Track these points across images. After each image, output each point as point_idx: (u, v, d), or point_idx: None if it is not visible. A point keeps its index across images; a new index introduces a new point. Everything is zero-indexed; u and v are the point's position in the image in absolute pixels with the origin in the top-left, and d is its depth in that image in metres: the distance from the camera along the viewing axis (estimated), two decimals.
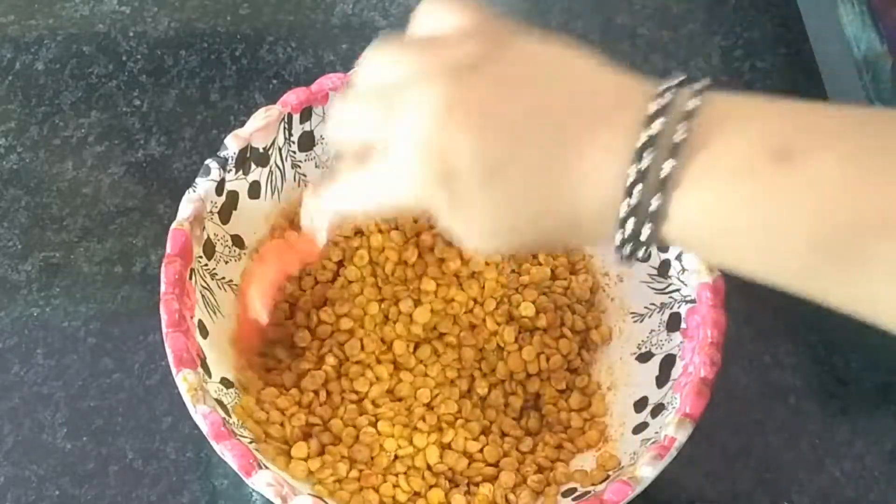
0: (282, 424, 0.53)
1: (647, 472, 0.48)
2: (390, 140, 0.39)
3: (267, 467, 0.47)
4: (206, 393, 0.49)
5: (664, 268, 0.56)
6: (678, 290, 0.55)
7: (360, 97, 0.41)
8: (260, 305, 0.52)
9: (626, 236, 0.37)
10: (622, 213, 0.37)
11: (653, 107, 0.36)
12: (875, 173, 0.34)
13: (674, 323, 0.55)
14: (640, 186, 0.36)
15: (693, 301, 0.53)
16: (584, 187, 0.37)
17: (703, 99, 0.36)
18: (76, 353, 0.59)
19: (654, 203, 0.36)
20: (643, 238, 0.37)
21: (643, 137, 0.36)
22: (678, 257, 0.55)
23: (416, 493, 0.52)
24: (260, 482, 0.47)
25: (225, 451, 0.47)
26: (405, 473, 0.53)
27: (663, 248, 0.56)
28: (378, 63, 0.40)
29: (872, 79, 0.59)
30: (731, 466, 0.56)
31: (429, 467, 0.53)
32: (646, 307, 0.57)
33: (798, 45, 0.68)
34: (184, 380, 0.48)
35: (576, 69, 0.39)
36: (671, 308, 0.55)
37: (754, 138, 0.35)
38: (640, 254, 0.38)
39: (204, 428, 0.48)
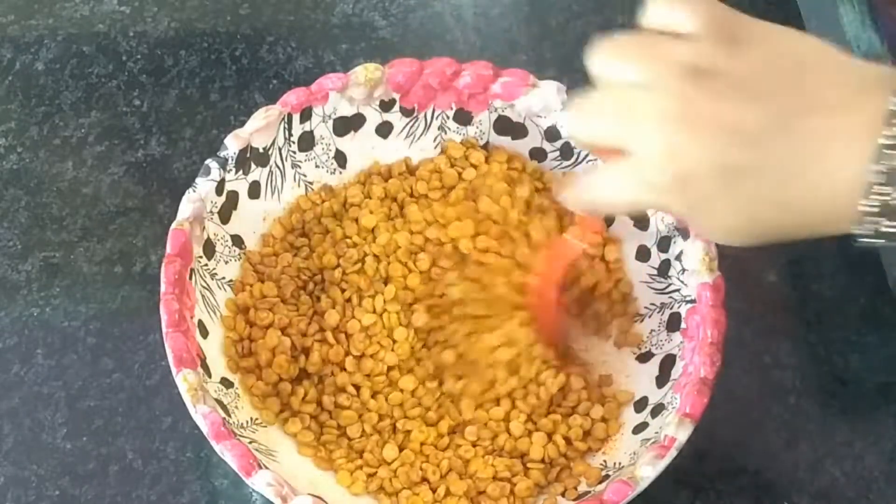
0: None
1: (647, 472, 0.48)
2: (630, 144, 0.40)
3: (267, 467, 0.48)
4: (206, 393, 0.49)
5: (664, 268, 0.56)
6: (678, 290, 0.55)
7: (599, 99, 0.42)
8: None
9: (870, 232, 0.38)
10: (866, 209, 0.38)
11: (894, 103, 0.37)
12: None
13: (674, 323, 0.55)
14: (884, 186, 0.37)
15: (693, 301, 0.53)
16: (823, 185, 0.38)
17: None
18: (76, 353, 0.59)
19: None
20: (886, 231, 0.38)
21: (886, 137, 0.37)
22: (678, 257, 0.55)
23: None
24: (260, 482, 0.47)
25: (225, 451, 0.47)
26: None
27: (663, 248, 0.56)
28: (613, 62, 0.41)
29: None
30: (731, 466, 0.56)
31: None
32: (646, 307, 0.57)
33: None
34: (184, 380, 0.48)
35: (813, 63, 0.40)
36: (671, 308, 0.55)
37: None
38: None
39: (204, 428, 0.48)
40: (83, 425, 0.57)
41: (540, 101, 0.58)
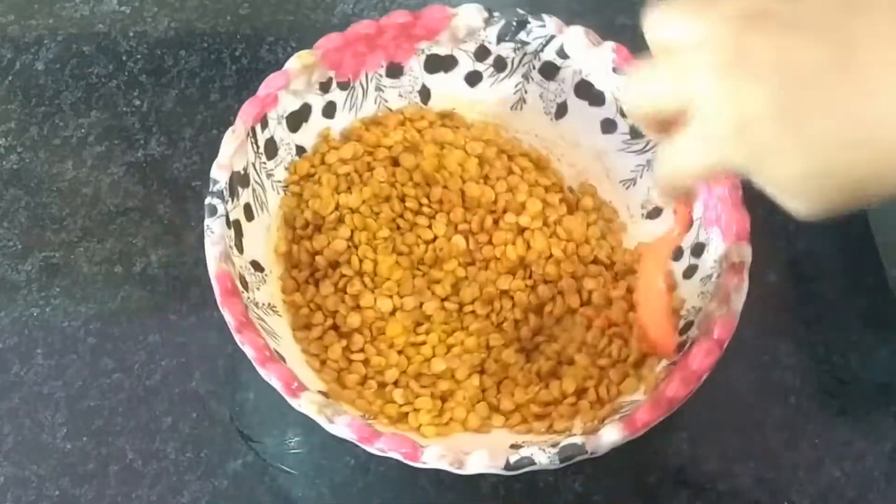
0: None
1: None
2: (689, 103, 0.39)
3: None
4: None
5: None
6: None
7: (654, 64, 0.42)
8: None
9: None
10: None
11: None
12: None
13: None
14: None
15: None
16: (884, 114, 0.37)
17: None
18: (76, 353, 0.59)
19: None
20: None
21: None
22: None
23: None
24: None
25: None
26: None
27: None
28: (664, 24, 0.41)
29: None
30: (731, 466, 0.56)
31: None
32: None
33: None
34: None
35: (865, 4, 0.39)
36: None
37: None
38: None
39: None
40: (83, 425, 0.57)
41: (464, 26, 0.59)
